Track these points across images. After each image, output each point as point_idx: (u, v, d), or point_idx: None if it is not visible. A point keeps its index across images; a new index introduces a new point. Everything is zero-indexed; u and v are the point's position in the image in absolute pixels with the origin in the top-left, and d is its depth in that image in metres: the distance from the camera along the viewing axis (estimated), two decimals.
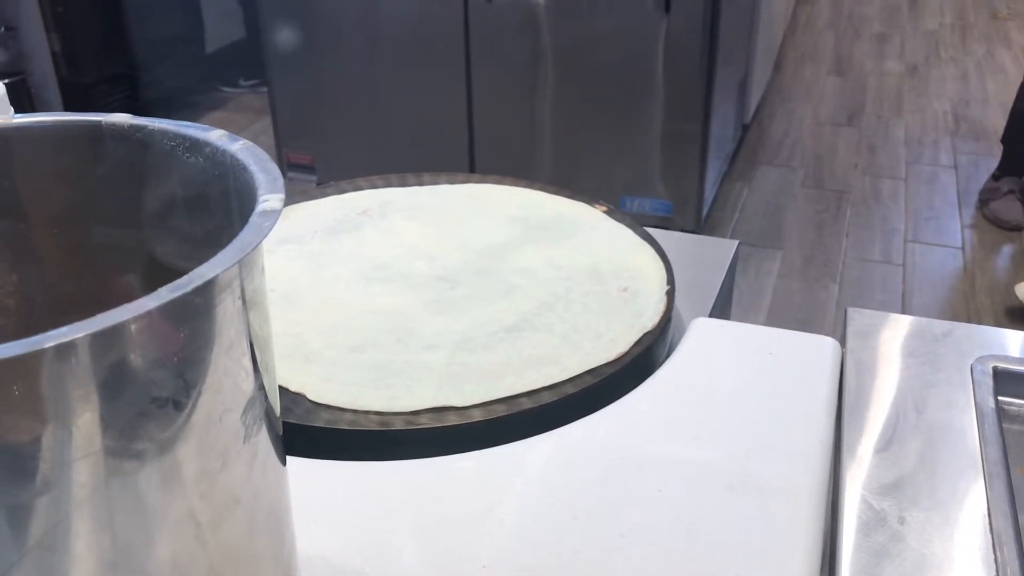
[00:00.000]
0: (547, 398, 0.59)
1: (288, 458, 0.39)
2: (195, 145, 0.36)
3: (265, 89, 2.77)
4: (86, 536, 0.29)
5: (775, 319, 2.17)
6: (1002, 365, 0.62)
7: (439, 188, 0.84)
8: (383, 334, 0.64)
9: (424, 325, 0.65)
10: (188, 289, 0.27)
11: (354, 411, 0.58)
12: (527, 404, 0.58)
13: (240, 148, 0.35)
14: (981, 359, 0.62)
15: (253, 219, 0.30)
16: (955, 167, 2.92)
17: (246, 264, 0.30)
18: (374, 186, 0.85)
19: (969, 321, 2.16)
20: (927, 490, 0.53)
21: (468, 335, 0.64)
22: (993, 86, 3.57)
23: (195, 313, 0.28)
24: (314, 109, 2.61)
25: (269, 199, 0.31)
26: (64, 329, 0.25)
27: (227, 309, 0.30)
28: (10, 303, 0.41)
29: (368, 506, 0.51)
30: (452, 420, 0.57)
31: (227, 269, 0.28)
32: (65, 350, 0.25)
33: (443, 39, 2.38)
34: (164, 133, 0.37)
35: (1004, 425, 0.58)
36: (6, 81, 2.54)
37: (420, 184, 0.85)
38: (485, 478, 0.53)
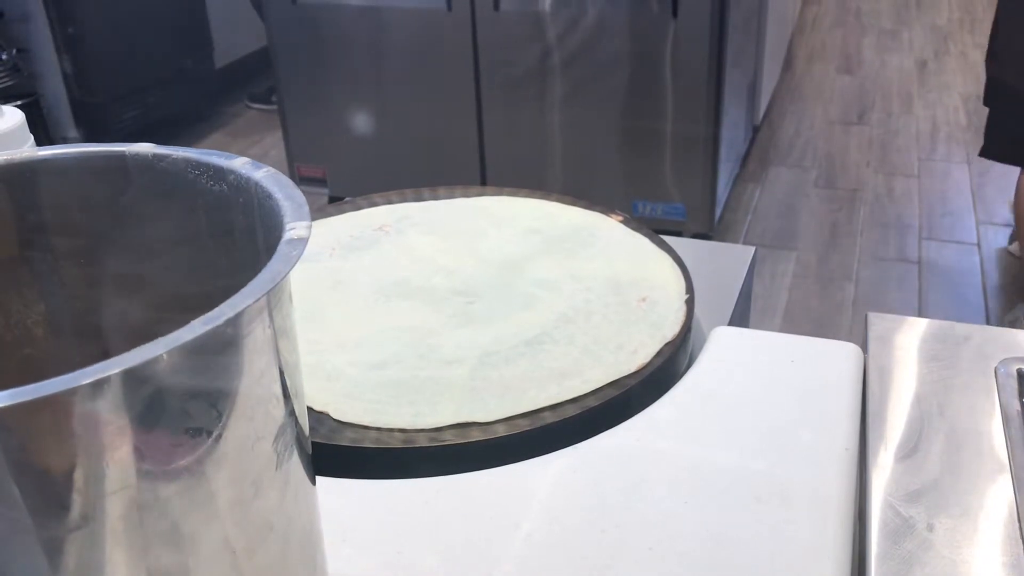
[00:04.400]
0: (570, 411, 0.59)
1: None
2: (219, 173, 0.37)
3: (276, 104, 2.79)
4: (122, 568, 0.29)
5: (791, 321, 2.17)
6: None
7: (455, 202, 0.84)
8: (404, 350, 0.65)
9: (445, 340, 0.65)
10: (220, 321, 0.27)
11: (378, 429, 0.58)
12: (550, 418, 0.58)
13: (264, 175, 0.35)
14: (1005, 362, 0.62)
15: (281, 248, 0.30)
16: (968, 162, 2.91)
17: (275, 293, 0.30)
18: (390, 201, 0.85)
19: (986, 317, 2.15)
20: (955, 496, 0.52)
21: (489, 349, 0.64)
22: None
23: (227, 344, 0.28)
24: (325, 122, 2.62)
25: (296, 227, 0.31)
26: (100, 365, 0.25)
27: (257, 339, 0.30)
28: (38, 333, 0.41)
29: (395, 524, 0.51)
30: (476, 436, 0.57)
31: (257, 300, 0.28)
32: (101, 386, 0.25)
33: (451, 50, 2.39)
34: (188, 162, 0.37)
35: None
36: (19, 103, 2.56)
37: (435, 198, 0.85)
38: (511, 494, 0.53)
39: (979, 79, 3.39)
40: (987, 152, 2.16)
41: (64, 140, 2.89)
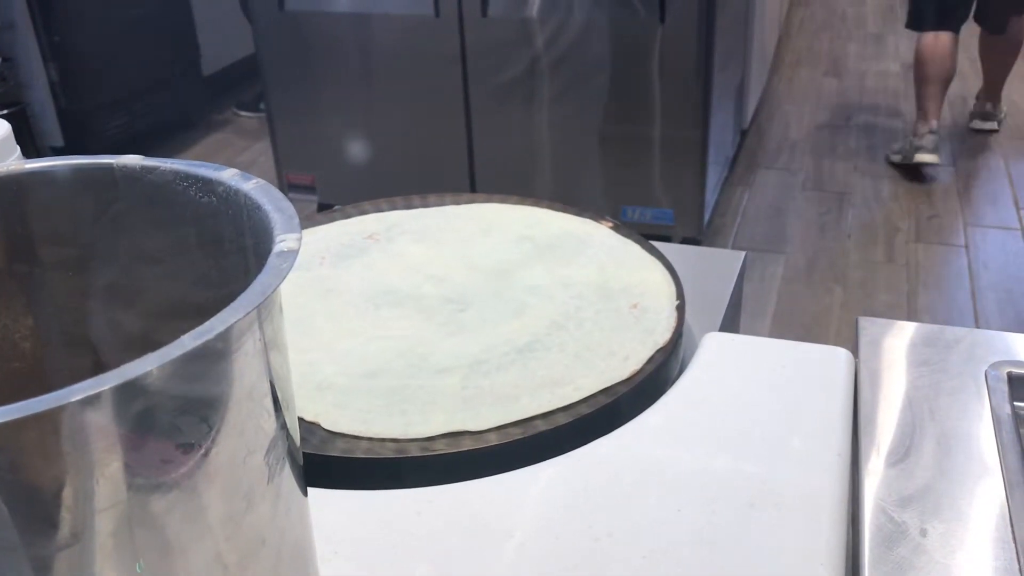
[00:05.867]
0: (562, 419, 0.59)
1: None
2: (208, 185, 0.36)
3: (264, 111, 2.78)
4: None
5: (780, 324, 2.17)
6: (1017, 371, 0.61)
7: (445, 209, 0.84)
8: (395, 359, 0.64)
9: (436, 349, 0.65)
10: (210, 336, 0.27)
11: (369, 439, 0.58)
12: (542, 426, 0.58)
13: (253, 187, 0.35)
14: (995, 365, 0.62)
15: (271, 261, 0.30)
16: (954, 165, 2.92)
17: (265, 307, 0.30)
18: (379, 209, 0.85)
19: (975, 318, 2.16)
20: (947, 500, 0.53)
21: (481, 357, 0.64)
22: None
23: (217, 358, 0.28)
24: (313, 129, 2.62)
25: (286, 239, 0.31)
26: (89, 382, 0.25)
27: (248, 352, 0.30)
28: (26, 346, 0.41)
29: (387, 535, 0.51)
30: (468, 445, 0.57)
31: (248, 314, 0.28)
32: (90, 402, 0.25)
33: (440, 56, 2.39)
34: (176, 173, 0.37)
35: (1021, 431, 0.58)
36: (4, 112, 2.55)
37: (425, 206, 0.85)
38: (503, 502, 0.53)
39: (964, 81, 3.41)
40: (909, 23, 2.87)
41: (51, 149, 2.88)
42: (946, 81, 2.81)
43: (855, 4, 4.67)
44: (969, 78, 3.44)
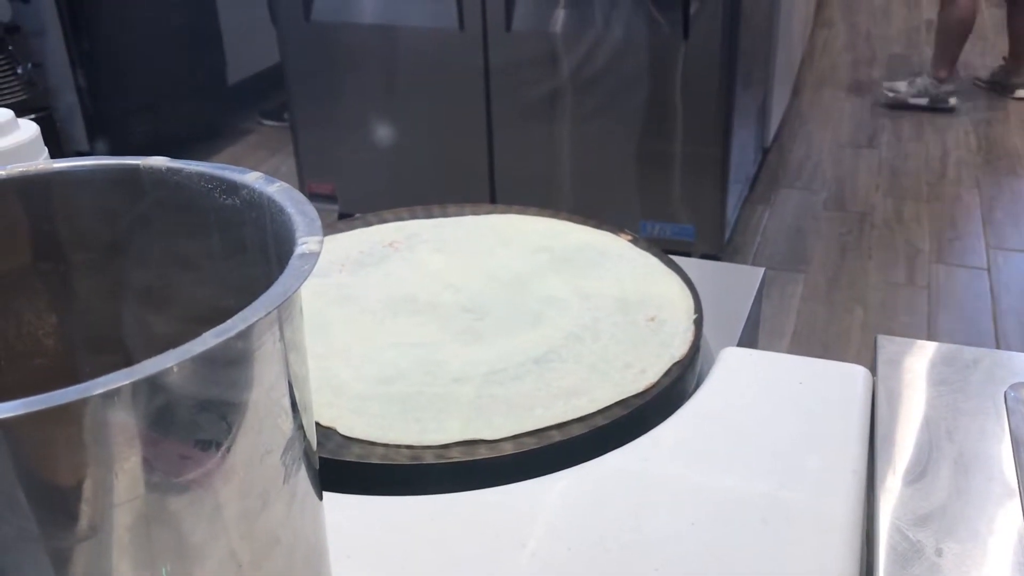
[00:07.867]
0: (577, 430, 0.59)
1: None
2: (232, 187, 0.37)
3: (287, 120, 2.80)
4: None
5: (799, 343, 2.16)
6: None
7: (464, 219, 0.85)
8: (412, 366, 0.65)
9: (452, 357, 0.65)
10: (231, 334, 0.27)
11: (385, 445, 0.58)
12: (557, 437, 0.58)
13: (277, 190, 0.35)
14: (1015, 386, 0.62)
15: (293, 262, 0.30)
16: (978, 187, 2.91)
17: (286, 307, 0.31)
18: (400, 218, 0.85)
19: (996, 342, 2.14)
20: (963, 521, 0.52)
21: (496, 367, 0.64)
22: (1014, 106, 3.55)
23: (237, 357, 0.29)
24: (335, 138, 2.63)
25: (308, 242, 0.32)
26: (111, 376, 0.25)
27: (268, 352, 0.30)
28: (49, 343, 0.42)
29: (400, 541, 0.51)
30: (483, 453, 0.57)
31: (269, 313, 0.28)
32: (112, 396, 0.25)
33: (463, 69, 2.40)
34: (201, 175, 0.38)
35: None
36: (33, 117, 2.58)
37: (445, 216, 0.86)
38: (516, 512, 0.53)
39: (988, 102, 3.39)
40: None
41: (77, 154, 2.91)
42: (966, 38, 3.47)
43: (879, 24, 4.66)
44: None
